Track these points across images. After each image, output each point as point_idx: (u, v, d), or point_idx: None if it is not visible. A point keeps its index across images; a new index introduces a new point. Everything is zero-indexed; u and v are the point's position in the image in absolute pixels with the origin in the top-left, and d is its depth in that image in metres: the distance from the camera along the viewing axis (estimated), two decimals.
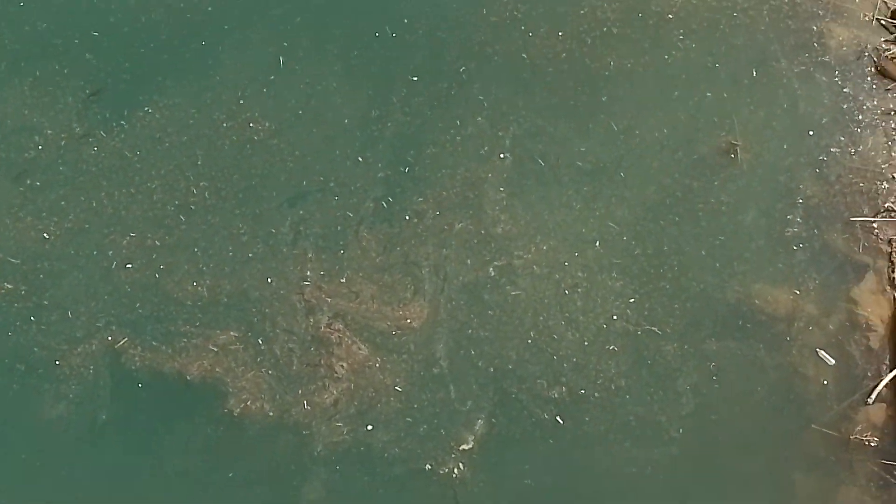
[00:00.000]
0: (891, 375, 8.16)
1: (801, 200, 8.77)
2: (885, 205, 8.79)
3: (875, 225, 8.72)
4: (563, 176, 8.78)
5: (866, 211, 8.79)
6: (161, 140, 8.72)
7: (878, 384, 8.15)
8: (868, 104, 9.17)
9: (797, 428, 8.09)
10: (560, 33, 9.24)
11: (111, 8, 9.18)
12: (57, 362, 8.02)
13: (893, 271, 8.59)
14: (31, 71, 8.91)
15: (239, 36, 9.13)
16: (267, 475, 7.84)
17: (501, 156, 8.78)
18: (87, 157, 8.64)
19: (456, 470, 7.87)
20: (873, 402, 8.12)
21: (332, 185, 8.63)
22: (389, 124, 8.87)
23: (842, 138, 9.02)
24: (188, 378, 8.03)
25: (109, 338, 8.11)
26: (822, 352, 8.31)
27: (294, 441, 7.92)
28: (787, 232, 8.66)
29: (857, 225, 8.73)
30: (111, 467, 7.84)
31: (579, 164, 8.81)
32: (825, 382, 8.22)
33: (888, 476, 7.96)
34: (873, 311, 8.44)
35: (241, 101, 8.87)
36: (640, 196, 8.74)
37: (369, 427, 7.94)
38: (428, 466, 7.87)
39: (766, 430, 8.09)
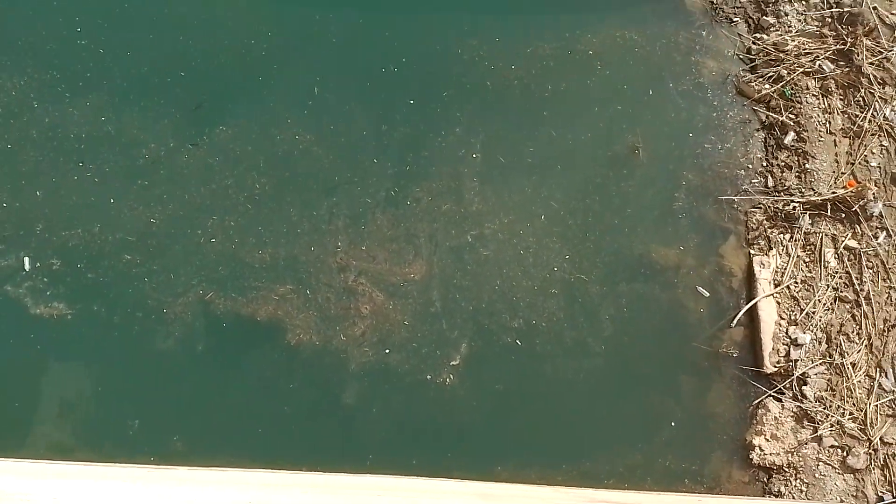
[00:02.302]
0: (747, 307, 8.07)
1: (684, 183, 8.58)
2: (743, 187, 8.62)
3: (735, 201, 8.56)
4: (518, 169, 8.56)
5: (730, 191, 8.61)
6: (233, 150, 8.42)
7: (738, 313, 8.08)
8: (731, 113, 8.91)
9: (683, 344, 7.98)
10: (513, 66, 8.92)
11: (194, 55, 8.78)
12: (164, 311, 7.81)
13: (748, 234, 8.46)
14: (138, 102, 8.55)
15: (285, 73, 8.78)
16: (316, 385, 7.71)
17: (474, 156, 8.54)
18: (180, 163, 8.35)
19: (448, 379, 7.77)
20: (735, 326, 8.05)
21: (355, 179, 8.38)
22: (395, 135, 8.60)
23: (713, 138, 8.78)
24: (258, 319, 7.81)
25: (201, 292, 7.88)
26: (700, 288, 8.18)
27: (334, 361, 7.76)
28: (675, 205, 8.48)
29: (724, 201, 8.56)
30: (207, 384, 7.71)
31: (529, 160, 8.59)
32: (702, 310, 8.13)
33: (744, 377, 7.94)
34: (734, 262, 8.32)
35: (289, 120, 8.56)
36: (573, 182, 8.54)
37: (387, 350, 7.80)
38: (428, 377, 7.76)
39: (661, 345, 8.00)
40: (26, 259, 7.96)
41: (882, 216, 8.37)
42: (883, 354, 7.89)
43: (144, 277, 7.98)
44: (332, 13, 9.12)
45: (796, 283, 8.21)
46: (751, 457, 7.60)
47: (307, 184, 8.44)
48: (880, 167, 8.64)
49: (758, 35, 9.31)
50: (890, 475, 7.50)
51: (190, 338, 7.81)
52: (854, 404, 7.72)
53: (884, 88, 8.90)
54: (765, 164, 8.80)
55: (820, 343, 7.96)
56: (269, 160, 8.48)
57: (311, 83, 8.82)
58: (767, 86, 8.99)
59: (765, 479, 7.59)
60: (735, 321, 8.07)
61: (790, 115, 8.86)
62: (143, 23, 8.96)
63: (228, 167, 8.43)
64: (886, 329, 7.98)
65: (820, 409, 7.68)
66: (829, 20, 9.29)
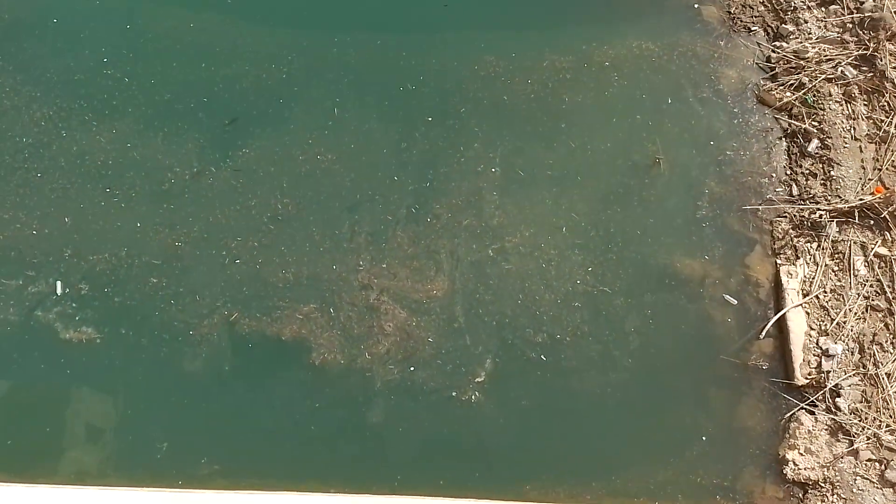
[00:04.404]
0: (776, 317, 7.41)
1: (706, 192, 7.96)
2: (767, 196, 7.94)
3: (760, 210, 7.90)
4: (538, 181, 8.03)
5: (754, 200, 7.95)
6: (256, 171, 7.98)
7: (766, 324, 7.42)
8: (752, 121, 8.26)
9: (710, 357, 7.39)
10: (529, 80, 8.40)
11: (216, 80, 8.36)
12: (191, 332, 7.40)
13: (773, 244, 7.78)
14: (162, 127, 8.14)
15: (305, 94, 8.33)
16: (343, 404, 7.24)
17: (493, 170, 8.02)
18: (204, 186, 7.92)
19: (473, 396, 7.24)
20: (763, 337, 7.40)
21: (377, 197, 7.90)
22: (414, 152, 8.10)
23: (735, 145, 8.15)
24: (283, 339, 7.38)
25: (226, 313, 7.46)
26: (728, 296, 7.56)
27: (360, 380, 7.30)
28: (698, 214, 7.88)
29: (748, 211, 7.91)
30: (234, 404, 7.26)
31: (549, 172, 8.06)
32: (729, 320, 7.50)
33: (774, 389, 7.26)
34: (761, 272, 7.68)
35: (310, 141, 8.10)
36: (593, 193, 7.98)
37: (412, 368, 7.32)
38: (454, 394, 7.25)
39: (689, 358, 7.41)
40: (58, 283, 7.57)
41: None
42: None
43: (171, 300, 7.54)
44: (349, 35, 8.68)
45: (825, 292, 7.50)
46: (785, 472, 6.91)
47: (329, 202, 7.96)
48: None
49: (777, 43, 8.61)
50: None
51: (216, 359, 7.37)
52: (891, 416, 6.96)
53: None
54: (789, 172, 8.11)
55: (852, 353, 7.23)
56: (292, 180, 8.03)
57: (330, 104, 8.37)
58: (789, 94, 8.28)
59: (800, 495, 6.90)
60: (764, 332, 7.41)
61: (813, 123, 8.15)
62: (166, 52, 8.58)
63: (252, 188, 7.99)
64: None
65: (855, 421, 6.96)
66: (850, 26, 8.57)
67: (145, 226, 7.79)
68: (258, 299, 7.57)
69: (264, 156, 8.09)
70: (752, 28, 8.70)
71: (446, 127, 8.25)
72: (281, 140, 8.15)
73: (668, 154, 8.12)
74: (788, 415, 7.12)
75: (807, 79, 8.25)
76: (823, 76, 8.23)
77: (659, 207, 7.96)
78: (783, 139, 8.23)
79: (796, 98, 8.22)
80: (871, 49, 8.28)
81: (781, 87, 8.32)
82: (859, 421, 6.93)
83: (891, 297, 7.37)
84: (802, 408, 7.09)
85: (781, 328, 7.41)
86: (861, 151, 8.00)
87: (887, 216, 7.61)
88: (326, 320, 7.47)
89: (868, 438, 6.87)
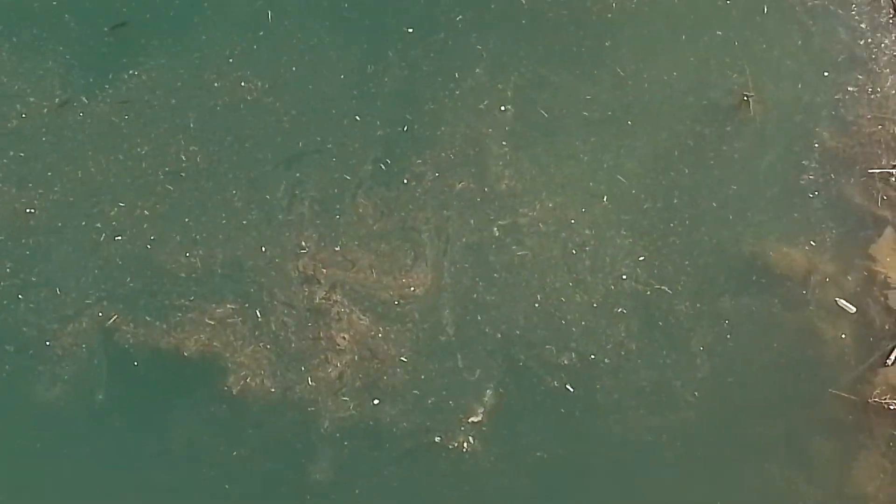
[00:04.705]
0: None
1: (817, 145, 7.71)
2: None
3: (894, 176, 7.65)
4: (569, 127, 7.73)
5: (885, 161, 7.72)
6: (149, 103, 7.61)
7: None
8: (887, 41, 7.93)
9: (815, 390, 7.31)
10: None
11: None
12: (48, 342, 7.21)
13: None
14: (8, 36, 7.72)
15: None
16: (273, 453, 7.13)
17: (503, 109, 7.71)
18: (71, 124, 7.58)
19: (466, 443, 7.10)
20: (893, 363, 7.22)
21: (329, 145, 7.61)
22: (386, 79, 7.79)
23: (860, 77, 7.86)
24: (185, 354, 7.22)
25: (100, 314, 7.23)
26: (842, 300, 7.36)
27: (299, 417, 7.19)
28: (803, 179, 7.63)
29: (876, 177, 7.66)
30: (113, 448, 7.09)
31: (585, 113, 7.75)
32: (843, 336, 7.32)
33: None
34: (892, 267, 7.53)
35: (231, 60, 7.72)
36: (650, 146, 7.70)
37: (376, 401, 7.17)
38: (437, 439, 7.10)
39: (782, 392, 7.30)
40: None
41: None
42: None
43: (18, 293, 7.22)
44: None
45: None
46: None
47: (257, 153, 7.58)
48: None
49: None
50: None
51: (85, 382, 7.10)
52: None
53: None
54: None
55: None
56: (202, 118, 7.65)
57: (261, 4, 7.91)
58: None
59: None
60: (893, 356, 7.19)
61: None
62: None
63: (141, 129, 7.59)
64: None
65: None
66: None
67: None
68: (148, 295, 7.30)
69: (162, 81, 7.73)
70: None
71: (434, 43, 7.90)
72: (188, 57, 7.79)
73: (761, 90, 7.80)
74: None
75: None
76: None
77: (746, 169, 7.65)
78: None
79: None
80: None
81: None
82: None
83: None
84: None
85: None
86: None
87: None
88: (250, 328, 7.24)
89: None
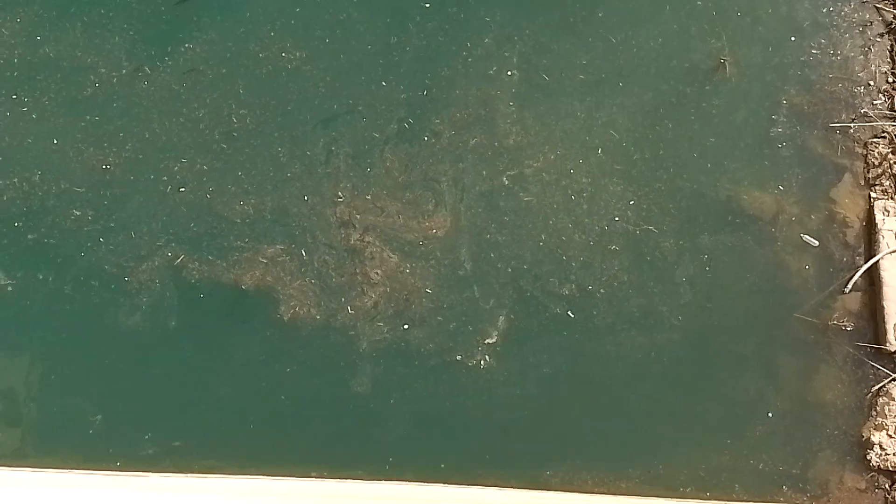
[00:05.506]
0: (866, 266, 7.76)
1: (784, 101, 8.19)
2: (861, 110, 8.19)
3: (852, 129, 8.12)
4: (567, 88, 8.23)
5: (844, 116, 8.16)
6: (204, 72, 8.20)
7: (854, 274, 7.75)
8: (846, 10, 8.39)
9: (782, 314, 7.77)
10: None
11: None
12: (126, 278, 7.80)
13: (868, 172, 8.08)
14: (80, 16, 8.29)
15: None
16: (320, 370, 7.70)
17: (509, 73, 8.22)
18: (138, 92, 8.17)
19: (483, 361, 7.66)
20: (849, 291, 7.71)
21: (359, 108, 8.15)
22: (408, 49, 8.30)
23: (822, 41, 8.32)
24: (243, 287, 7.80)
25: (170, 254, 7.85)
26: (807, 236, 7.85)
27: (341, 340, 7.73)
28: (772, 132, 8.11)
29: (837, 130, 8.13)
30: (184, 367, 7.71)
31: (581, 76, 8.23)
32: (807, 267, 7.83)
33: (861, 356, 7.64)
34: (850, 209, 7.97)
35: (272, 34, 8.29)
36: (638, 104, 8.19)
37: (406, 326, 7.73)
38: (458, 358, 7.66)
39: (755, 315, 7.79)
40: None
41: None
42: None
43: (99, 237, 7.88)
44: None
45: None
46: (869, 457, 7.37)
47: (297, 115, 8.20)
48: None
49: None
50: None
51: (159, 312, 7.79)
52: None
53: None
54: (891, 79, 8.34)
55: None
56: (250, 85, 8.24)
57: None
58: None
59: (886, 486, 7.37)
60: (850, 285, 7.72)
61: None
62: None
63: (199, 95, 8.23)
64: None
65: None
66: None
67: (63, 143, 8.09)
68: (210, 238, 7.92)
69: (214, 52, 8.30)
70: None
71: (449, 16, 8.41)
72: (234, 31, 8.34)
73: (737, 53, 8.28)
74: (877, 388, 7.50)
75: None
76: None
77: (722, 123, 8.16)
78: (886, 36, 8.42)
79: None
80: None
81: None
82: None
83: None
84: (894, 379, 7.44)
85: (873, 280, 7.74)
86: None
87: None
88: (297, 265, 7.85)
89: None
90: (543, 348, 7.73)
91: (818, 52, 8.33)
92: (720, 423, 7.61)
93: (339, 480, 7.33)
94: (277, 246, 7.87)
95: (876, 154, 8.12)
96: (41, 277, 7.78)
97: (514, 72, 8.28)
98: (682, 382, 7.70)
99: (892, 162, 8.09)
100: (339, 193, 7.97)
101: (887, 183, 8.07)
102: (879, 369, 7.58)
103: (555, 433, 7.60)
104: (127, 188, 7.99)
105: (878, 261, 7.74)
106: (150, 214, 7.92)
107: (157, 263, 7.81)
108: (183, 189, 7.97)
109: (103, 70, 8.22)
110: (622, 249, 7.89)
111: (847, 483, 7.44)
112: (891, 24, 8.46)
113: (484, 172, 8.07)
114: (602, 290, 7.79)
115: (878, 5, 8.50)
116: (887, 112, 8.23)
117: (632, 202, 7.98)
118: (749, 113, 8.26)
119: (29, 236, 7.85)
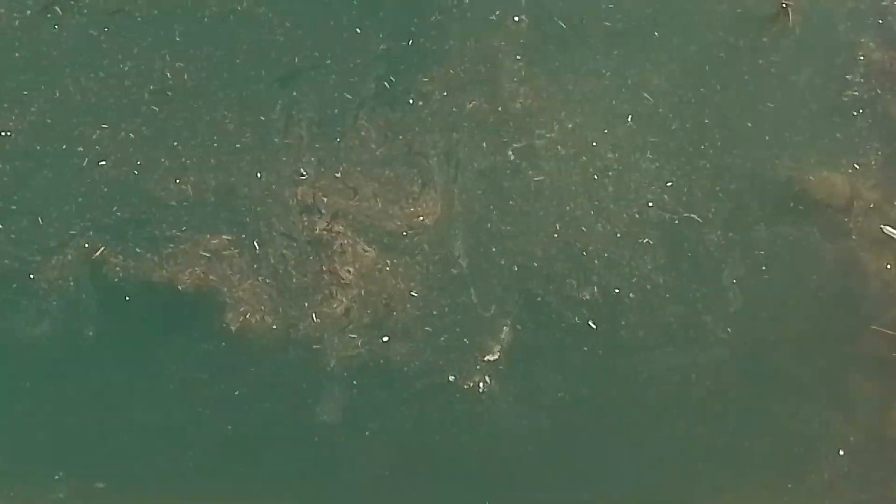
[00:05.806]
0: None
1: (861, 57, 7.57)
2: None
3: None
4: (589, 39, 7.53)
5: None
6: (131, 13, 7.28)
7: None
8: None
9: (856, 326, 7.26)
10: None
11: None
12: (31, 276, 6.99)
13: None
14: None
15: None
16: (276, 393, 7.15)
17: (516, 19, 7.50)
18: (46, 38, 7.36)
19: (482, 383, 7.11)
20: None
21: (327, 61, 7.37)
22: None
23: None
24: (180, 288, 7.14)
25: (87, 245, 7.10)
26: (888, 228, 7.12)
27: (304, 356, 7.20)
28: (846, 96, 7.54)
29: None
30: (105, 387, 7.07)
31: (607, 23, 7.58)
32: (888, 267, 7.24)
33: None
34: None
35: None
36: (678, 60, 7.54)
37: (385, 338, 7.14)
38: (451, 379, 7.07)
39: (821, 328, 7.21)
40: None
41: None
42: None
43: None
44: None
45: None
46: None
47: (249, 70, 7.42)
48: None
49: None
50: None
51: (73, 318, 7.16)
52: None
53: None
54: None
55: None
56: (189, 30, 7.49)
57: None
58: None
59: None
60: None
61: None
62: None
63: (123, 43, 7.43)
64: None
65: None
66: None
67: None
68: (137, 225, 7.16)
69: None
70: None
71: None
72: None
73: None
74: None
75: None
76: None
77: (783, 82, 7.47)
78: None
79: None
80: None
81: None
82: None
83: None
84: None
85: None
86: None
87: None
88: (248, 261, 7.17)
89: None
90: (558, 368, 7.23)
91: None
92: (777, 463, 7.00)
93: None
94: (223, 236, 7.28)
95: None
96: None
97: (523, 17, 7.64)
98: (729, 412, 7.11)
99: None
100: (302, 170, 7.33)
101: None
102: None
103: (570, 475, 7.02)
104: (32, 160, 7.31)
105: None
106: (62, 194, 7.26)
107: (70, 257, 7.24)
108: (103, 163, 7.28)
109: (1, 10, 7.32)
110: (657, 243, 7.37)
111: None
112: None
113: (484, 144, 7.43)
114: (631, 295, 7.34)
115: None
116: None
117: (669, 183, 7.43)
118: (816, 72, 7.77)
119: None
